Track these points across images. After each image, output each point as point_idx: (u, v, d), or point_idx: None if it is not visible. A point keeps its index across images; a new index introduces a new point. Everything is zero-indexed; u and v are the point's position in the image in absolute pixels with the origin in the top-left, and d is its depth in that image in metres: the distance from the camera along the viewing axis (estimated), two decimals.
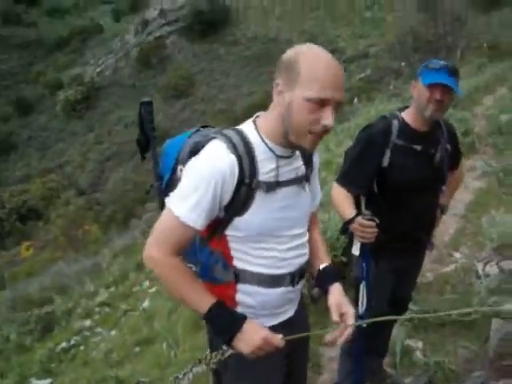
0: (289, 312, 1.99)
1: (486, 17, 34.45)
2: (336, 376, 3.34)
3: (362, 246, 2.56)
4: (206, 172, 1.68)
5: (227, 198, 1.71)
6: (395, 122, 2.69)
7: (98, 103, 43.19)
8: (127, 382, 4.75)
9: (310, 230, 2.05)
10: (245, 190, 1.71)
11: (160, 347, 5.31)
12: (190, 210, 1.69)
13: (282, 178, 1.78)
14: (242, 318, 1.74)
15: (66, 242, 20.96)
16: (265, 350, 1.71)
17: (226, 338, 1.73)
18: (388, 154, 2.65)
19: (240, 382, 1.90)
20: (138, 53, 43.80)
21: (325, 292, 2.00)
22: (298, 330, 2.00)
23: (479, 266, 4.21)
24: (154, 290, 9.28)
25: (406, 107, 2.81)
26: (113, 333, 7.86)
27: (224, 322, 1.73)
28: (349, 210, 2.55)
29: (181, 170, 1.89)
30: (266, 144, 1.76)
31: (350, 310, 1.90)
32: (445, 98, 2.54)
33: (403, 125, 2.68)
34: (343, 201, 2.63)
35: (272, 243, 1.81)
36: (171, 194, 1.77)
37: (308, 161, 1.93)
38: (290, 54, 1.73)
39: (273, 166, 1.76)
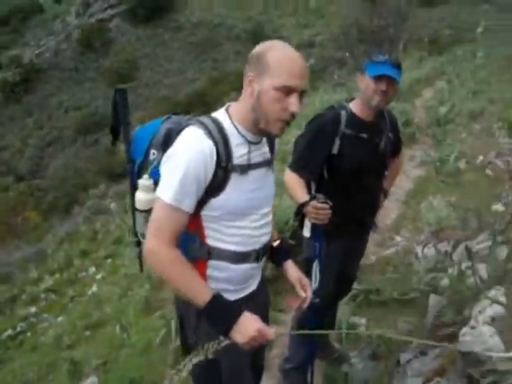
0: (252, 286, 2.16)
1: (428, 12, 35.52)
2: (286, 351, 3.54)
3: (314, 227, 2.74)
4: (188, 156, 1.80)
5: (208, 179, 1.84)
6: (343, 113, 2.88)
7: (37, 86, 41.80)
8: (82, 364, 4.79)
9: None
10: (221, 173, 1.85)
11: (112, 330, 5.39)
12: (178, 194, 1.80)
13: (252, 161, 1.94)
14: (239, 311, 1.82)
15: (5, 230, 20.44)
16: (258, 341, 1.82)
17: (223, 329, 1.81)
18: (337, 142, 2.84)
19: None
20: (80, 35, 42.60)
21: (278, 266, 2.26)
22: (260, 303, 2.20)
23: (418, 248, 4.51)
24: (100, 276, 9.29)
25: (353, 99, 3.01)
26: (60, 319, 7.85)
27: (222, 314, 1.82)
28: (302, 194, 2.72)
29: (153, 154, 2.03)
30: (239, 131, 1.91)
31: (307, 282, 2.20)
32: (389, 89, 2.75)
33: (351, 115, 2.88)
34: (296, 186, 2.80)
35: (244, 221, 1.97)
36: (159, 186, 1.87)
37: (271, 146, 2.10)
38: (259, 48, 1.89)
39: (245, 150, 1.92)
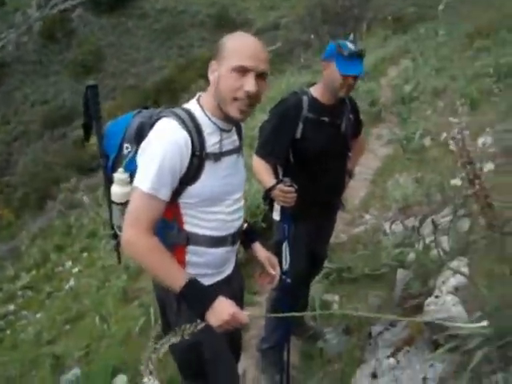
0: (227, 270, 2.26)
1: None
2: (262, 331, 3.66)
3: (283, 210, 2.84)
4: (164, 147, 1.88)
5: (184, 169, 1.92)
6: (305, 98, 2.98)
7: (1, 80, 41.04)
8: (63, 357, 4.85)
9: None
10: (196, 161, 1.94)
11: (91, 322, 5.45)
12: (155, 184, 1.87)
13: (224, 149, 2.04)
14: (214, 295, 1.89)
15: None
16: (231, 324, 1.87)
17: (198, 312, 1.88)
18: (300, 126, 2.94)
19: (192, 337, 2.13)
20: (41, 27, 41.75)
21: (247, 249, 2.38)
22: (235, 286, 2.32)
23: (386, 225, 4.65)
24: (76, 269, 9.29)
25: (314, 84, 3.11)
26: (39, 315, 7.85)
27: (197, 298, 1.89)
28: (269, 179, 2.82)
29: (127, 148, 2.10)
30: (211, 119, 2.00)
31: (276, 260, 2.35)
32: (355, 82, 2.91)
33: (312, 100, 2.98)
34: (263, 171, 2.90)
35: (219, 207, 2.06)
36: (136, 177, 1.93)
37: (239, 133, 2.20)
38: (220, 40, 1.99)
39: (217, 138, 2.01)
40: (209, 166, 1.98)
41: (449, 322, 2.24)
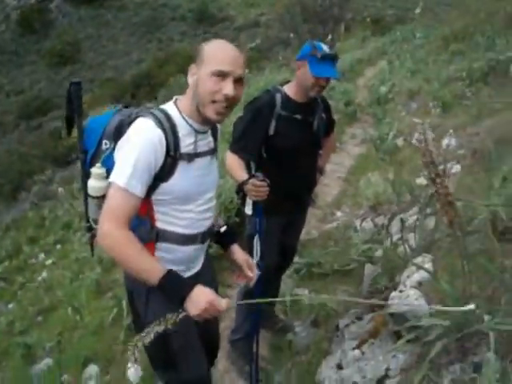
0: (197, 266, 2.35)
1: None
2: (233, 324, 3.74)
3: (255, 204, 2.92)
4: (139, 144, 1.95)
5: (158, 166, 1.99)
6: (278, 95, 3.07)
7: None
8: (35, 347, 4.87)
9: None
10: (170, 161, 2.01)
11: (64, 313, 5.47)
12: (130, 179, 1.93)
13: (199, 150, 2.11)
14: (191, 285, 1.92)
15: None
16: (210, 312, 1.90)
17: (177, 302, 1.91)
18: (273, 123, 3.03)
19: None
20: (19, 16, 41.20)
21: (225, 250, 2.47)
22: (204, 281, 2.37)
23: (357, 222, 4.76)
24: (50, 261, 9.26)
25: (287, 82, 3.21)
26: (11, 306, 7.83)
27: (175, 287, 1.92)
28: (242, 174, 2.89)
29: (105, 144, 2.16)
30: (187, 121, 2.07)
31: (253, 263, 2.44)
32: (327, 83, 3.02)
33: (285, 97, 3.07)
34: (236, 166, 2.98)
35: (190, 205, 2.14)
36: (112, 172, 1.99)
37: (215, 135, 2.28)
38: (200, 45, 2.07)
39: (192, 140, 2.09)
40: (182, 166, 2.05)
41: (407, 309, 2.34)
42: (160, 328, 1.93)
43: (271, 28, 30.17)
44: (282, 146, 3.03)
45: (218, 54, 2.00)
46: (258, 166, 3.09)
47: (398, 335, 2.66)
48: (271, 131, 3.01)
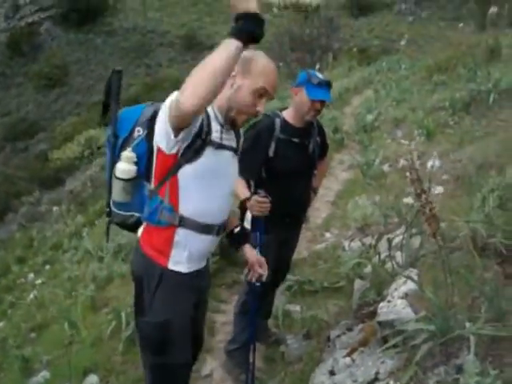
0: (204, 261, 2.52)
1: (358, 22, 36.87)
2: (228, 337, 3.93)
3: (254, 220, 3.14)
4: None
5: (189, 137, 2.14)
6: (277, 120, 3.34)
7: None
8: (32, 361, 4.96)
9: None
10: (199, 143, 2.19)
11: (59, 328, 5.56)
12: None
13: (224, 142, 2.31)
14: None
15: None
16: None
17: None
18: (273, 146, 3.28)
19: (164, 316, 2.36)
20: (8, 39, 41.35)
21: (237, 249, 2.71)
22: (205, 282, 2.60)
23: (346, 243, 4.99)
24: (39, 281, 9.31)
25: (285, 108, 3.47)
26: (1, 324, 7.87)
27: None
28: (245, 191, 3.13)
29: (138, 131, 2.37)
30: (216, 114, 2.28)
31: (264, 261, 2.70)
32: (322, 107, 3.32)
33: (284, 122, 3.35)
34: (238, 184, 3.18)
35: (210, 194, 2.30)
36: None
37: (238, 139, 2.49)
38: (249, 52, 2.25)
39: (219, 130, 2.28)
40: (209, 151, 2.22)
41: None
42: None
43: None
44: (281, 167, 3.28)
45: (267, 72, 2.24)
46: (257, 185, 3.31)
47: (384, 339, 2.87)
48: (271, 153, 3.27)
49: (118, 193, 2.40)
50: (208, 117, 2.23)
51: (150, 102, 2.49)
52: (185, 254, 2.35)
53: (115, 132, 2.42)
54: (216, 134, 2.27)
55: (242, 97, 2.23)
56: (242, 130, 2.58)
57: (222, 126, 2.30)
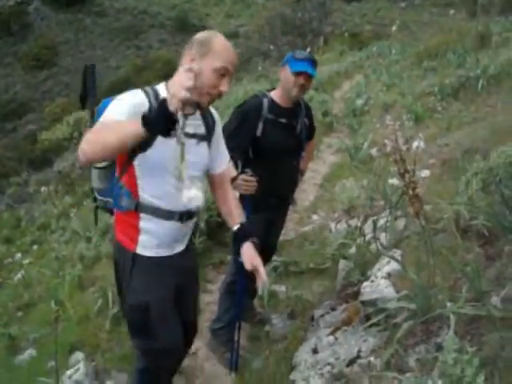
0: (180, 247, 2.54)
1: (351, 7, 36.74)
2: (213, 316, 3.96)
3: (241, 201, 3.16)
4: (124, 102, 2.16)
5: None
6: (265, 100, 3.34)
7: None
8: (18, 339, 4.98)
9: (224, 189, 2.67)
10: None
11: (45, 307, 5.57)
12: (112, 114, 2.11)
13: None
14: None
15: None
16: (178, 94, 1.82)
17: (162, 124, 1.88)
18: (260, 126, 3.29)
19: (141, 298, 2.40)
20: None
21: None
22: (187, 263, 2.62)
23: (332, 225, 5.03)
24: (27, 261, 9.28)
25: (273, 88, 3.47)
26: None
27: (155, 115, 1.88)
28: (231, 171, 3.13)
29: None
30: None
31: (259, 262, 2.51)
32: (306, 83, 3.27)
33: (271, 102, 3.35)
34: None
35: (168, 178, 2.29)
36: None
37: (210, 126, 2.49)
38: (203, 34, 2.29)
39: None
40: (161, 139, 2.02)
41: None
42: None
43: (250, 39, 30.53)
44: (268, 147, 3.29)
45: (224, 51, 2.23)
46: (244, 165, 3.32)
47: (366, 317, 2.92)
48: (258, 133, 3.27)
49: (95, 180, 2.53)
50: None
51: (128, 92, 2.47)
52: (151, 240, 2.39)
53: (93, 124, 2.45)
54: None
55: (205, 79, 2.20)
56: (215, 112, 2.56)
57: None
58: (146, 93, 2.24)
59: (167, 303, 2.50)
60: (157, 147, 2.16)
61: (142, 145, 2.11)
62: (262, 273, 2.51)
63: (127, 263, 2.39)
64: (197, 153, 2.41)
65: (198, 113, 2.41)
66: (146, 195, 2.32)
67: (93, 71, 2.53)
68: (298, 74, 3.19)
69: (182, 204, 2.40)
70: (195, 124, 2.40)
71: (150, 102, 2.20)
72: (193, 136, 2.37)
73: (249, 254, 2.53)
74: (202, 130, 2.44)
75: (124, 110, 2.13)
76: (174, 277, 2.50)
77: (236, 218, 2.63)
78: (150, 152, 2.17)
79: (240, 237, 2.61)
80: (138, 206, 2.33)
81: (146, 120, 1.86)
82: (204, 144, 2.47)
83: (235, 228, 2.61)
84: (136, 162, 2.26)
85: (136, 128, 1.87)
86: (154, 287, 2.41)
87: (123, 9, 42.16)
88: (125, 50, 39.03)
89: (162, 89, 2.30)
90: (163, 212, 2.36)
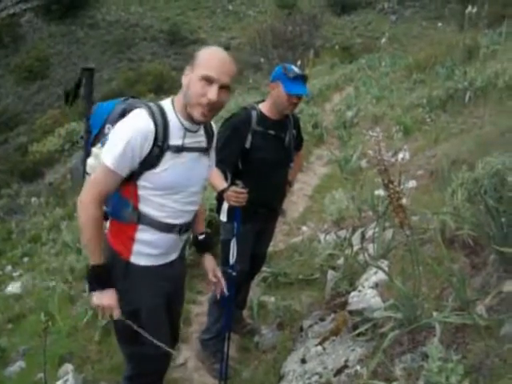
0: (173, 256, 2.56)
1: (341, 20, 37.03)
2: (202, 327, 3.98)
3: (231, 211, 3.19)
4: (130, 131, 2.20)
5: (144, 154, 2.22)
6: (254, 113, 3.38)
7: None
8: (8, 351, 4.96)
9: None
10: (157, 150, 2.24)
11: (35, 319, 5.55)
12: (115, 159, 2.19)
13: (186, 145, 2.34)
14: (109, 284, 2.32)
15: None
16: (104, 311, 2.33)
17: (90, 288, 2.34)
18: (249, 138, 3.33)
19: (132, 305, 2.43)
20: None
21: (200, 254, 2.79)
22: (177, 272, 2.65)
23: (321, 236, 5.06)
24: (17, 273, 9.25)
25: (262, 101, 3.52)
26: None
27: (98, 277, 2.31)
28: (222, 182, 3.16)
29: (108, 128, 2.40)
30: (178, 117, 2.30)
31: (219, 274, 2.75)
32: (299, 100, 3.39)
33: (260, 115, 3.39)
34: (216, 176, 3.21)
35: (174, 196, 2.35)
36: (103, 150, 2.26)
37: (210, 138, 2.51)
38: (198, 50, 2.33)
39: (181, 134, 2.30)
40: (169, 157, 2.27)
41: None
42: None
43: (242, 52, 30.68)
44: (257, 158, 3.33)
45: (210, 60, 2.23)
46: (234, 176, 3.35)
47: (354, 326, 2.94)
48: (247, 145, 3.31)
49: None
50: (165, 124, 2.26)
51: (123, 98, 2.52)
52: (147, 250, 2.42)
53: (88, 128, 2.50)
54: (178, 140, 2.30)
55: (192, 88, 2.22)
56: (214, 125, 2.59)
57: (186, 129, 2.33)
58: (153, 115, 2.24)
59: (159, 310, 2.54)
60: (162, 167, 2.26)
61: (149, 162, 2.24)
62: (223, 283, 2.76)
63: (120, 270, 2.41)
64: (198, 167, 2.45)
65: (201, 127, 2.44)
66: (147, 208, 2.35)
67: (91, 75, 2.53)
68: (292, 94, 3.27)
69: (182, 218, 2.45)
70: (199, 140, 2.44)
71: (155, 122, 2.23)
72: (194, 150, 2.40)
73: (212, 266, 2.74)
74: (203, 144, 2.47)
75: (128, 150, 2.19)
76: (167, 284, 2.53)
77: (202, 226, 2.81)
78: (155, 171, 2.26)
79: (203, 246, 2.77)
80: (139, 218, 2.35)
81: (92, 269, 2.31)
82: (206, 157, 2.51)
83: (201, 237, 2.75)
84: (140, 182, 2.30)
85: (92, 259, 2.30)
86: (146, 295, 2.43)
87: (115, 21, 42.22)
88: (117, 62, 39.04)
89: (167, 106, 2.33)
90: (164, 225, 2.39)
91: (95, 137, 2.47)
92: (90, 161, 2.44)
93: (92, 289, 2.31)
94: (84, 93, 2.52)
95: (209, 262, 2.74)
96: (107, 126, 2.43)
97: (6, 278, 9.41)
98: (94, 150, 2.42)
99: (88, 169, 2.45)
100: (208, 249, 2.77)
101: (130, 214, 2.35)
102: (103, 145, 2.37)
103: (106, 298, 2.29)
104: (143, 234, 2.39)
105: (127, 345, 2.56)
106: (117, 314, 2.31)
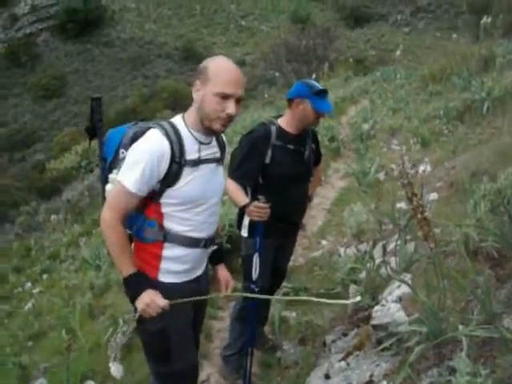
0: (199, 271, 2.59)
1: (355, 33, 37.12)
2: (224, 343, 3.96)
3: (253, 226, 3.19)
4: (147, 152, 2.25)
5: (162, 173, 2.27)
6: (273, 128, 3.39)
7: None
8: (30, 368, 4.98)
9: None
10: (175, 167, 2.29)
11: (56, 336, 5.57)
12: (135, 181, 2.24)
13: (202, 158, 2.38)
14: (144, 288, 2.32)
15: None
16: (152, 308, 2.31)
17: (132, 295, 2.34)
18: (269, 152, 3.34)
19: (161, 323, 2.42)
20: (6, 50, 41.49)
21: (213, 266, 2.80)
22: (203, 286, 2.63)
23: (341, 250, 5.03)
24: (37, 290, 9.30)
25: (280, 116, 3.53)
26: None
27: (134, 286, 2.33)
28: (243, 198, 3.19)
29: (122, 153, 2.44)
30: (191, 132, 2.36)
31: (232, 283, 2.79)
32: (323, 116, 3.48)
33: (279, 129, 3.39)
34: (236, 191, 3.25)
35: (196, 209, 2.39)
36: (120, 171, 2.31)
37: (222, 148, 2.56)
38: (204, 62, 2.35)
39: (196, 148, 2.36)
40: (187, 171, 2.32)
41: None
42: (126, 327, 2.37)
43: (256, 67, 30.85)
44: (277, 173, 3.34)
45: (221, 75, 2.26)
46: (254, 191, 3.36)
47: (378, 341, 2.91)
48: (267, 160, 3.32)
49: None
50: (180, 141, 2.31)
51: (133, 122, 2.56)
52: (174, 267, 2.44)
53: (103, 155, 2.54)
54: (194, 154, 2.35)
55: (208, 105, 2.27)
56: (224, 138, 2.63)
57: (200, 143, 2.37)
58: (167, 134, 2.29)
59: (186, 327, 2.56)
60: (183, 182, 2.31)
61: (170, 179, 2.28)
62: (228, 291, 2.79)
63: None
64: (216, 177, 2.50)
65: (213, 139, 2.48)
66: (172, 224, 2.38)
67: (99, 104, 2.58)
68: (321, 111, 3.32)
69: (207, 231, 2.49)
70: (214, 151, 2.48)
71: (169, 140, 2.27)
72: (210, 161, 2.44)
73: (225, 276, 2.78)
74: (218, 154, 2.52)
75: (146, 172, 2.25)
76: (193, 301, 2.53)
77: (216, 237, 2.77)
78: (176, 187, 2.30)
79: (217, 257, 2.77)
80: (165, 235, 2.39)
81: (126, 280, 2.33)
82: (220, 167, 2.56)
83: (214, 247, 2.72)
84: (163, 199, 2.34)
85: (124, 271, 2.32)
86: (173, 312, 2.42)
87: (130, 39, 42.73)
88: (132, 79, 39.42)
89: (179, 122, 2.37)
90: (190, 239, 2.43)
91: (111, 163, 2.51)
92: (109, 187, 2.47)
93: (133, 296, 2.33)
94: (94, 121, 2.55)
95: (222, 272, 2.78)
96: (121, 150, 2.46)
97: (26, 294, 9.48)
98: (112, 176, 2.46)
99: (107, 195, 2.47)
100: (222, 259, 2.80)
101: (156, 233, 2.38)
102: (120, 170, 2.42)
103: (146, 297, 2.30)
104: (170, 251, 2.41)
105: (156, 362, 2.57)
106: (165, 304, 2.33)
